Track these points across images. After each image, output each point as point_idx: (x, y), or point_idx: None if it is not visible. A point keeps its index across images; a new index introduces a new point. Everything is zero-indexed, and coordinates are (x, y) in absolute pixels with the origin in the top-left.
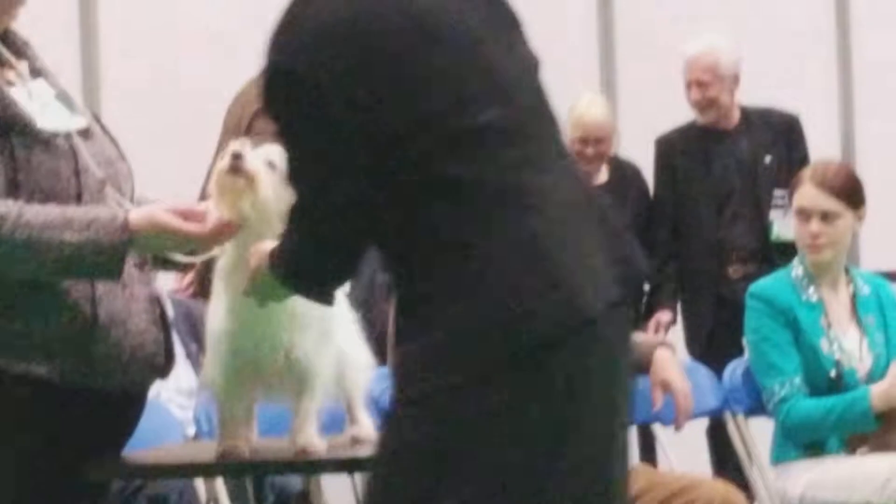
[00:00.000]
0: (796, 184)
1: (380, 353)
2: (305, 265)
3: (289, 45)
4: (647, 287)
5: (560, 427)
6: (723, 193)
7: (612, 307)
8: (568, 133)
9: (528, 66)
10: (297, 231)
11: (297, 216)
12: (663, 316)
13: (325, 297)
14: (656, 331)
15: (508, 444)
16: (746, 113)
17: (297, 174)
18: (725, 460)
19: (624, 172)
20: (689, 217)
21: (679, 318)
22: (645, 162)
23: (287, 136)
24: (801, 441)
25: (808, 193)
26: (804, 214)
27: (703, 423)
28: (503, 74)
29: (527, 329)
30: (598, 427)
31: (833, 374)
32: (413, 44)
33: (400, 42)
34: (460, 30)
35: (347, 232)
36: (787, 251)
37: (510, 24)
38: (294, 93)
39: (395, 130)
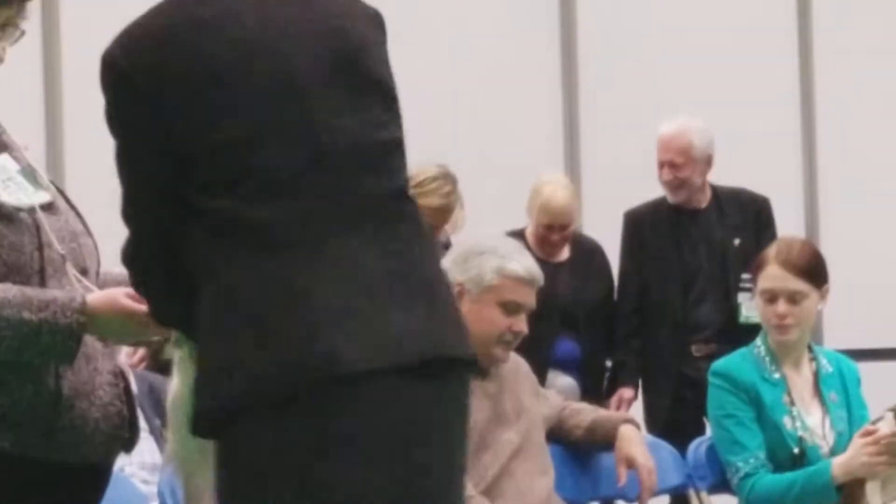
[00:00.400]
0: (761, 264)
1: None
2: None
3: (124, 39)
4: (608, 363)
5: (302, 484)
6: (690, 272)
7: (395, 372)
8: (532, 215)
9: (369, 128)
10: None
11: (126, 217)
12: (626, 392)
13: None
14: (618, 407)
15: (247, 491)
16: (717, 193)
17: (119, 163)
18: None
19: (585, 249)
20: (655, 294)
21: (640, 394)
22: (609, 238)
23: (109, 124)
24: None
25: (774, 274)
26: (770, 295)
27: (665, 500)
28: (314, 127)
29: (266, 376)
30: (363, 491)
31: (796, 450)
32: (229, 69)
33: (218, 64)
34: (281, 70)
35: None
36: (753, 333)
37: (363, 89)
38: (116, 87)
39: (189, 151)
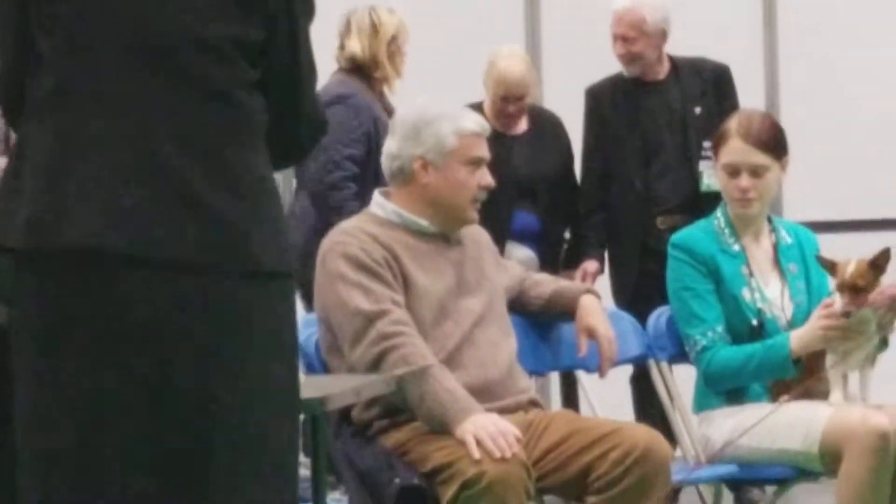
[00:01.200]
0: (722, 137)
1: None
2: None
3: None
4: (566, 235)
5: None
6: (652, 144)
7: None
8: (489, 87)
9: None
10: None
11: None
12: (590, 265)
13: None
14: (583, 279)
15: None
16: (676, 63)
17: None
18: (648, 408)
19: (544, 122)
20: (618, 167)
21: (606, 267)
22: (571, 113)
23: None
24: (723, 389)
25: (736, 148)
26: (732, 169)
27: (626, 371)
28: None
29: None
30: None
31: (755, 322)
32: None
33: None
34: None
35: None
36: (715, 202)
37: None
38: None
39: None
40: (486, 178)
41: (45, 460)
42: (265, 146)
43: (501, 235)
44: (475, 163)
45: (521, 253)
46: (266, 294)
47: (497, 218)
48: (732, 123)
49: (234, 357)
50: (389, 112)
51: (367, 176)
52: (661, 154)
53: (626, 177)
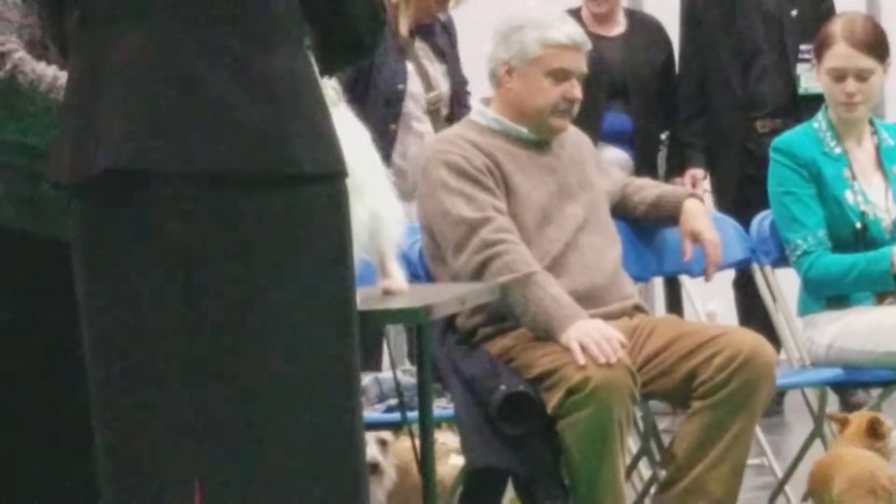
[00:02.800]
0: (826, 42)
1: None
2: None
3: None
4: (662, 137)
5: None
6: (749, 48)
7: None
8: None
9: None
10: None
11: None
12: (698, 173)
13: None
14: (693, 186)
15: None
16: None
17: None
18: (752, 312)
19: (642, 24)
20: (716, 72)
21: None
22: (669, 16)
23: None
24: (822, 295)
25: (841, 53)
26: (838, 74)
27: (729, 276)
28: None
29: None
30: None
31: (858, 225)
32: None
33: None
34: None
35: None
36: (814, 105)
37: None
38: None
39: None
40: (572, 90)
41: (99, 393)
42: (301, 49)
43: (593, 136)
44: (558, 74)
45: (614, 154)
46: (307, 200)
47: (588, 117)
48: (836, 27)
49: (271, 272)
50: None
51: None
52: (758, 57)
53: (724, 81)
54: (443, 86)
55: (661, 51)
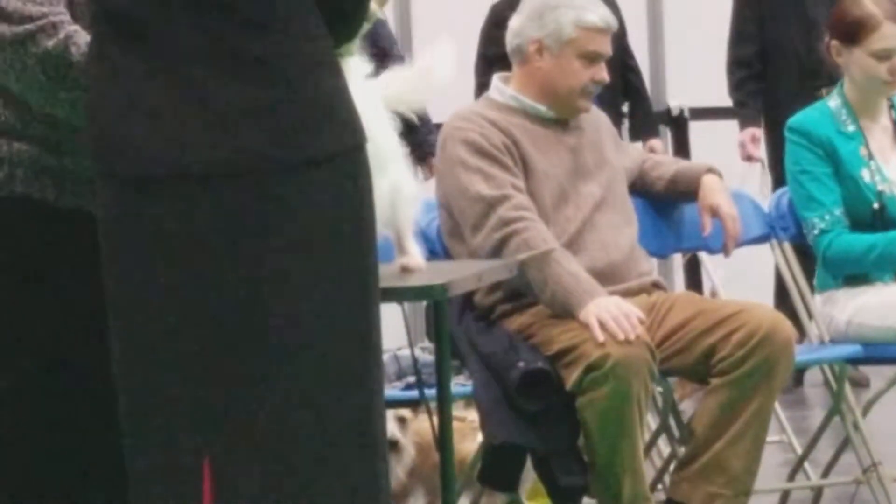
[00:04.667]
0: (868, 24)
1: None
2: None
3: None
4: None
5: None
6: (812, 15)
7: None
8: None
9: None
10: None
11: None
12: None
13: None
14: (752, 141)
15: None
16: None
17: None
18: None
19: None
20: (778, 38)
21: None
22: None
23: None
24: (841, 274)
25: (889, 33)
26: (886, 53)
27: (746, 252)
28: None
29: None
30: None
31: (876, 205)
32: None
33: None
34: None
35: None
36: None
37: None
38: None
39: None
40: (600, 73)
41: (121, 387)
42: (308, 29)
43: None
44: (590, 57)
45: None
46: (319, 182)
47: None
48: (873, 9)
49: (282, 260)
50: None
51: None
52: (820, 21)
53: (787, 48)
54: None
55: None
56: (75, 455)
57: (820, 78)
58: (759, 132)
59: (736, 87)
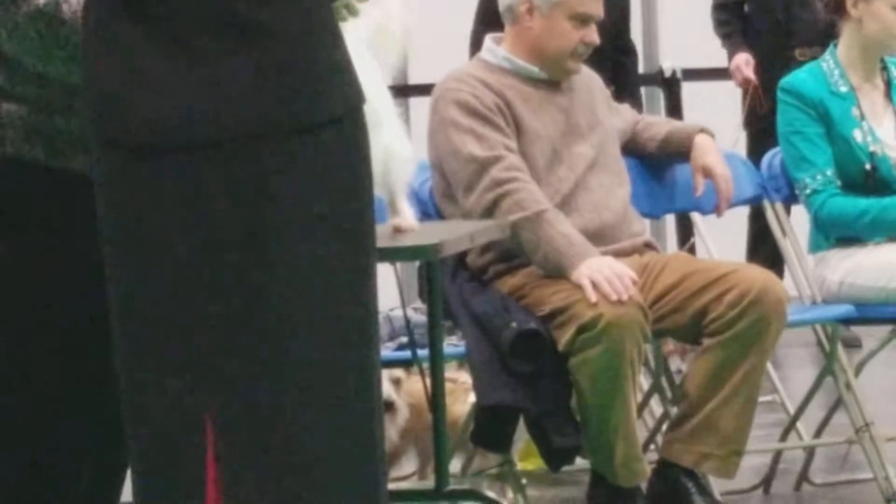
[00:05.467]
0: None
1: None
2: None
3: None
4: None
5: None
6: None
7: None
8: None
9: None
10: None
11: None
12: (747, 56)
13: None
14: (746, 64)
15: None
16: None
17: None
18: (762, 248)
19: None
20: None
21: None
22: None
23: None
24: (833, 236)
25: None
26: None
27: (739, 213)
28: None
29: None
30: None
31: (868, 166)
32: None
33: None
34: None
35: None
36: None
37: None
38: None
39: None
40: (590, 35)
41: (119, 351)
42: None
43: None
44: (580, 18)
45: None
46: (322, 144)
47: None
48: None
49: (287, 224)
50: None
51: None
52: None
53: (767, 7)
54: None
55: None
56: (72, 411)
57: (795, 38)
58: (750, 57)
59: (720, 24)
